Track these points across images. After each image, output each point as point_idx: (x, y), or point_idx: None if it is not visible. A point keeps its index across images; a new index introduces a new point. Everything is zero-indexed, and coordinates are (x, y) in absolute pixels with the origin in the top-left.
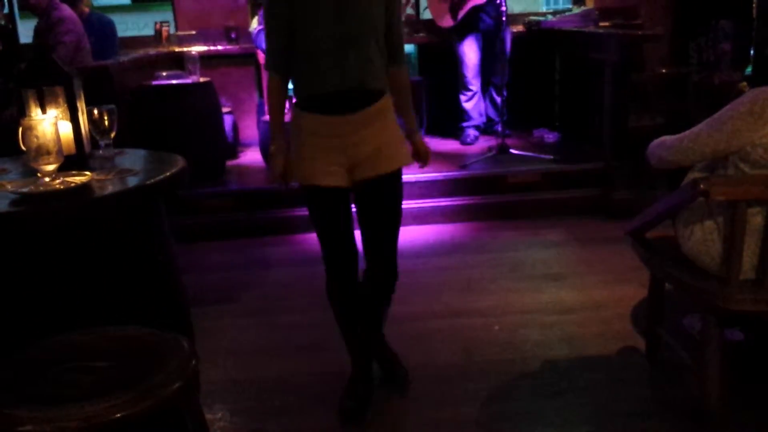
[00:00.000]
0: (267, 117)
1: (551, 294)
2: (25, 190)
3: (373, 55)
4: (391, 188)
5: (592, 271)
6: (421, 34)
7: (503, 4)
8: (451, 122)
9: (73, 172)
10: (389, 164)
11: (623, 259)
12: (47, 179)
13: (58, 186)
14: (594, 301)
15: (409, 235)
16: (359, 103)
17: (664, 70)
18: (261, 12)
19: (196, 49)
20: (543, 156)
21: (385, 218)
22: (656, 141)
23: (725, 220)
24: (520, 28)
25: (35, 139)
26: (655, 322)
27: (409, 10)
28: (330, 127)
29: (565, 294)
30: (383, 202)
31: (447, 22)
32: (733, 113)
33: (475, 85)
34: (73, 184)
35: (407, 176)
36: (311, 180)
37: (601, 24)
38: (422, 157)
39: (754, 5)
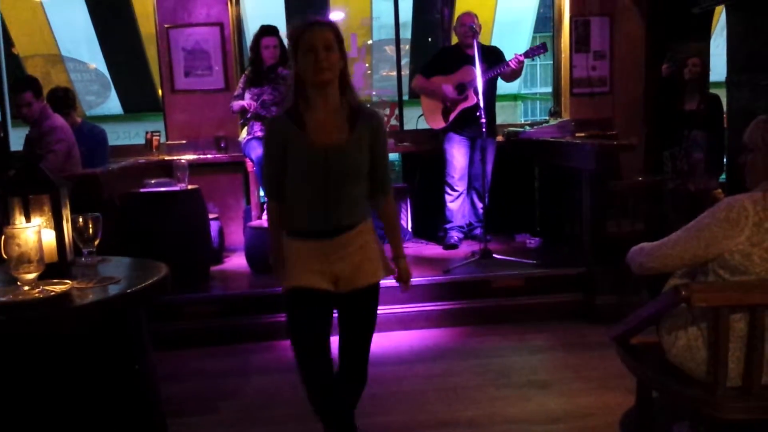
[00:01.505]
0: (253, 223)
1: (538, 402)
2: (3, 299)
3: (357, 198)
4: (368, 301)
5: (578, 378)
6: (405, 143)
7: (482, 116)
8: (434, 227)
9: (54, 280)
10: (367, 279)
11: (609, 364)
12: (27, 288)
13: (37, 295)
14: (581, 409)
15: (394, 340)
16: (341, 231)
17: (640, 179)
18: (242, 78)
19: (186, 157)
20: (525, 261)
21: (359, 328)
22: (636, 248)
23: (709, 327)
24: (499, 138)
25: (17, 248)
26: (644, 431)
27: (394, 122)
28: (314, 248)
29: (551, 402)
30: (359, 313)
31: (439, 123)
32: (710, 221)
33: (460, 186)
34: (52, 293)
35: (391, 281)
36: (296, 282)
37: (578, 134)
38: (404, 281)
39: (724, 116)
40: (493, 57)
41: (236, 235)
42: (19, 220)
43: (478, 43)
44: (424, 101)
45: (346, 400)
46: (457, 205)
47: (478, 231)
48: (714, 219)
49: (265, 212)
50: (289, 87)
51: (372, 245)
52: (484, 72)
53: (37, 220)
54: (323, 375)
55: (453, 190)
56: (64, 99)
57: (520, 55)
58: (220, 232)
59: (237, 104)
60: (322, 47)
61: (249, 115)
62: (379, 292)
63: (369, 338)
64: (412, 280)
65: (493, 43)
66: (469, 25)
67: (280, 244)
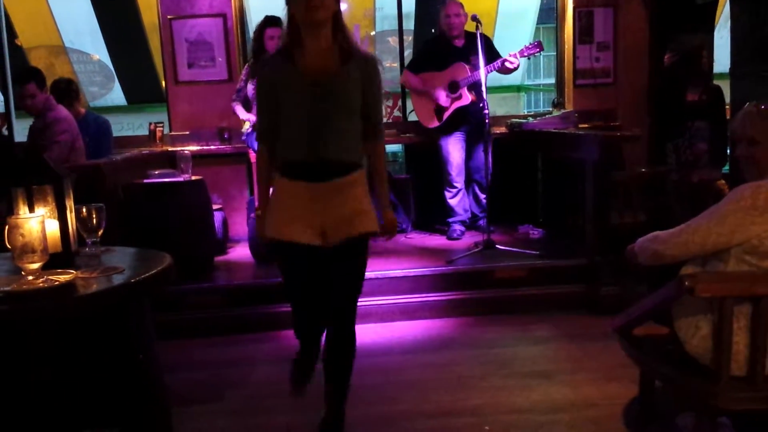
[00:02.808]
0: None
1: (541, 392)
2: (7, 288)
3: (348, 133)
4: (357, 251)
5: (581, 368)
6: (409, 135)
7: (486, 107)
8: (438, 218)
9: (58, 270)
10: (356, 229)
11: (612, 355)
12: (31, 278)
13: (41, 284)
14: (584, 399)
15: (397, 330)
16: (333, 173)
17: (643, 170)
18: (245, 70)
19: (189, 148)
20: (529, 251)
21: (347, 279)
22: (648, 236)
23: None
24: (503, 129)
25: (20, 238)
26: (648, 422)
27: (397, 113)
28: (305, 192)
29: (555, 392)
30: (348, 264)
31: (433, 123)
32: (734, 207)
33: (459, 182)
34: (56, 283)
35: (395, 272)
36: (283, 236)
37: (581, 125)
38: (388, 230)
39: (727, 107)
40: (483, 47)
41: (240, 226)
42: (23, 210)
43: (482, 36)
44: (414, 99)
45: (337, 372)
46: (457, 200)
47: (482, 222)
48: (739, 206)
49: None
50: (282, 31)
51: (362, 197)
52: (474, 69)
53: (41, 211)
54: (313, 325)
55: (452, 186)
56: (67, 90)
57: (514, 55)
58: (224, 222)
59: (237, 109)
60: None
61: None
62: (368, 246)
63: (358, 291)
64: (416, 270)
65: (496, 35)
66: (455, 14)
67: (267, 191)
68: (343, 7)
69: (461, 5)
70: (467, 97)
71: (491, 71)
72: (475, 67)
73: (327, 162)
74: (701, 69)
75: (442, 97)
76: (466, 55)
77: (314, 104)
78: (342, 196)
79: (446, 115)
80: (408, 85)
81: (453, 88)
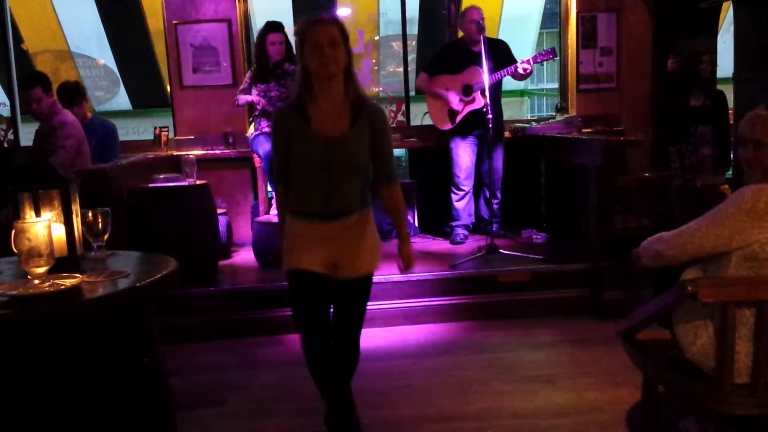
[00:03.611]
0: (261, 218)
1: (545, 397)
2: (14, 292)
3: (355, 188)
4: (362, 288)
5: (584, 373)
6: (412, 139)
7: (489, 112)
8: (441, 222)
9: (64, 274)
10: (363, 269)
11: (615, 360)
12: (37, 281)
13: (47, 288)
14: (588, 404)
15: (401, 334)
16: (342, 215)
17: (647, 174)
18: (248, 74)
19: (194, 152)
20: (532, 256)
21: (352, 312)
22: (653, 237)
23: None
24: (506, 134)
25: (27, 242)
26: (651, 426)
27: (401, 117)
28: (315, 230)
29: (558, 397)
30: (353, 299)
31: (446, 125)
32: (735, 210)
33: (466, 186)
34: (62, 287)
35: (399, 276)
36: (297, 265)
37: (584, 130)
38: (406, 266)
39: (730, 112)
40: (500, 52)
41: (244, 230)
42: (30, 214)
43: (485, 41)
44: (429, 101)
45: (341, 373)
46: (463, 204)
47: (494, 227)
48: (739, 209)
49: (273, 205)
50: (295, 80)
51: (370, 234)
52: (491, 73)
53: (47, 215)
54: (321, 346)
55: (459, 189)
56: (75, 90)
57: (527, 61)
58: (228, 227)
59: (243, 98)
60: (328, 43)
61: (257, 112)
62: (371, 282)
63: (360, 321)
64: (419, 274)
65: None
66: (477, 21)
67: (286, 226)
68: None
69: (481, 11)
70: (480, 101)
71: (504, 76)
72: (489, 72)
73: (338, 211)
74: (698, 75)
75: (456, 100)
76: (482, 60)
77: (325, 163)
78: (351, 232)
79: (459, 117)
80: (423, 88)
81: (466, 91)
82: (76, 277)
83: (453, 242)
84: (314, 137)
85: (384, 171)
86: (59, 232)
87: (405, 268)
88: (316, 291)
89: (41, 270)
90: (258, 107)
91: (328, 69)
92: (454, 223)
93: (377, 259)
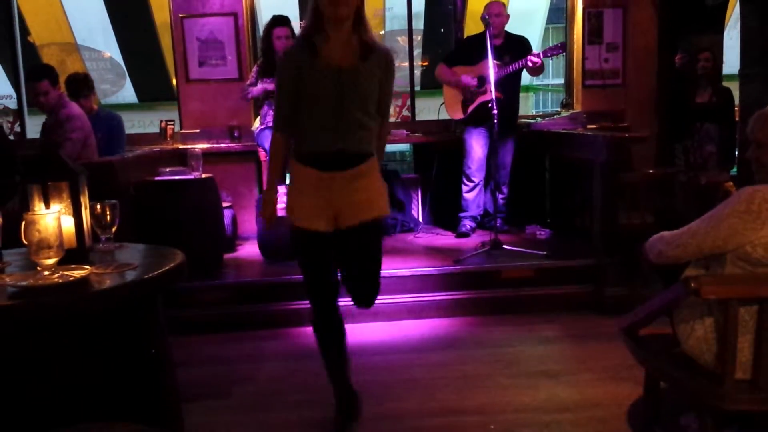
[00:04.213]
0: None
1: (547, 392)
2: (23, 283)
3: (365, 123)
4: (372, 234)
5: (587, 368)
6: (417, 134)
7: (494, 107)
8: (445, 217)
9: (73, 266)
10: (370, 213)
11: (618, 355)
12: (47, 273)
13: (56, 280)
14: (590, 399)
15: (404, 329)
16: (349, 162)
17: (651, 171)
18: (255, 68)
19: (200, 146)
20: (536, 252)
21: (365, 261)
22: (656, 236)
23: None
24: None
25: (37, 233)
26: (652, 422)
27: (406, 112)
28: (321, 180)
29: (561, 392)
30: (364, 246)
31: (458, 114)
32: (730, 211)
33: (477, 177)
34: (71, 278)
35: (402, 271)
36: (300, 223)
37: (589, 126)
38: None
39: (736, 109)
40: (519, 48)
41: (249, 224)
42: (39, 206)
43: (491, 35)
44: (446, 90)
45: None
46: (473, 195)
47: (499, 222)
48: (734, 210)
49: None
50: (305, 21)
51: (375, 183)
52: (502, 66)
53: (57, 207)
54: (326, 299)
55: (469, 180)
56: (84, 82)
57: (537, 55)
58: (233, 220)
59: (255, 90)
60: None
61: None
62: (381, 228)
63: (376, 271)
64: (423, 269)
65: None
66: (482, 16)
67: (274, 183)
68: None
69: (503, 5)
70: (491, 93)
71: (514, 70)
72: (505, 65)
73: (345, 153)
74: (695, 74)
75: (470, 80)
76: (501, 53)
77: (336, 94)
78: (356, 183)
79: (471, 107)
80: (440, 77)
81: (480, 82)
82: (85, 269)
83: (459, 233)
84: (325, 68)
85: (381, 107)
86: (68, 224)
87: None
88: (318, 249)
89: (51, 261)
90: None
91: (340, 9)
92: (461, 214)
93: (384, 205)
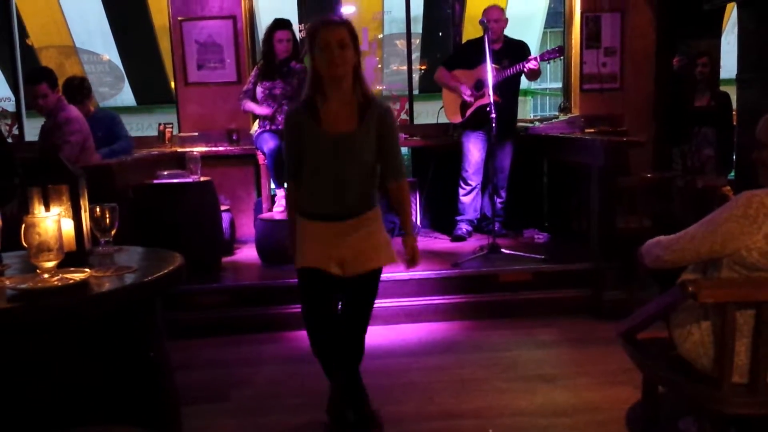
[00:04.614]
0: (264, 215)
1: (545, 396)
2: (23, 286)
3: (364, 184)
4: (369, 284)
5: (584, 372)
6: (415, 138)
7: (492, 111)
8: (443, 221)
9: (73, 268)
10: (372, 263)
11: (615, 359)
12: (46, 276)
13: (56, 283)
14: (588, 403)
15: (402, 332)
16: (350, 216)
17: (649, 175)
18: (254, 71)
19: (198, 149)
20: (534, 255)
21: (359, 307)
22: (652, 240)
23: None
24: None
25: (37, 236)
26: (650, 426)
27: (404, 116)
28: (324, 230)
29: (558, 396)
30: (361, 294)
31: (456, 118)
32: (728, 216)
33: (474, 180)
34: (71, 281)
35: (400, 274)
36: (305, 263)
37: (587, 130)
38: (411, 260)
39: (734, 113)
40: (518, 52)
41: (247, 227)
42: (39, 209)
43: (490, 39)
44: (445, 94)
45: (346, 362)
46: (469, 198)
47: (497, 226)
48: (732, 214)
49: (276, 203)
50: (306, 80)
51: (378, 233)
52: (500, 70)
53: (56, 210)
54: (327, 339)
55: (466, 184)
56: (80, 87)
57: (534, 59)
58: (232, 223)
59: (248, 106)
60: (337, 45)
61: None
62: (379, 279)
63: (365, 317)
64: (420, 273)
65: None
66: (481, 21)
67: (295, 223)
68: (352, 10)
69: (502, 10)
70: (489, 97)
71: (512, 74)
72: (503, 69)
73: (345, 212)
74: (693, 77)
75: (467, 92)
76: (499, 58)
77: (336, 161)
78: (359, 232)
79: (469, 111)
80: (440, 80)
81: (478, 86)
82: (84, 272)
83: (455, 236)
84: (324, 136)
85: (390, 167)
86: (68, 227)
87: (410, 262)
88: (322, 288)
89: (50, 264)
90: (262, 114)
91: (338, 70)
92: (458, 218)
93: (386, 255)
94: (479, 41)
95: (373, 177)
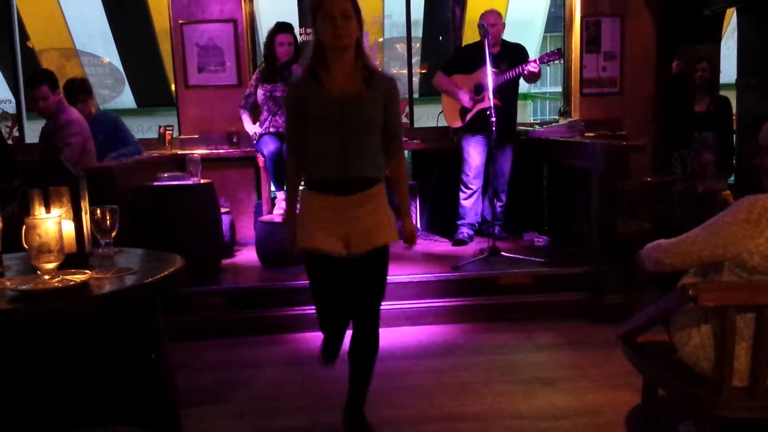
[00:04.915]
0: (264, 218)
1: (544, 399)
2: (24, 287)
3: (370, 149)
4: (379, 260)
5: (584, 376)
6: (416, 141)
7: (492, 114)
8: (444, 224)
9: (73, 270)
10: (378, 240)
11: (615, 363)
12: (47, 277)
13: (56, 284)
14: (588, 406)
15: (402, 335)
16: (357, 187)
17: (649, 179)
18: (255, 74)
19: (198, 151)
20: (534, 259)
21: (371, 286)
22: (652, 244)
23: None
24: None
25: (37, 238)
26: (650, 429)
27: (404, 119)
28: (331, 205)
29: (558, 399)
30: (371, 272)
31: (456, 122)
32: (730, 219)
33: (474, 185)
34: (71, 283)
35: (401, 277)
36: (311, 244)
37: (587, 134)
38: (409, 239)
39: (734, 118)
40: (516, 56)
41: (247, 230)
42: (39, 210)
43: (489, 44)
44: (444, 99)
45: (361, 366)
46: (470, 202)
47: (497, 229)
48: (734, 218)
49: (276, 205)
50: (309, 52)
51: (383, 209)
52: (499, 74)
53: (57, 211)
54: (337, 326)
55: (467, 187)
56: (81, 87)
57: (533, 62)
58: (232, 226)
59: (243, 116)
60: (341, 15)
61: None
62: (388, 254)
63: (381, 296)
64: (421, 276)
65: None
66: (481, 24)
67: (295, 202)
68: None
69: (499, 14)
70: (489, 101)
71: (511, 77)
72: (501, 72)
73: (353, 178)
74: (693, 81)
75: (466, 98)
76: (498, 61)
77: (342, 121)
78: (364, 208)
79: (469, 116)
80: (438, 86)
81: (478, 90)
82: (85, 273)
83: (456, 240)
84: (329, 98)
85: (391, 141)
86: (69, 229)
87: (408, 243)
88: (328, 270)
89: (51, 266)
90: (250, 132)
91: (341, 40)
92: (459, 222)
93: (392, 232)
94: (476, 45)
95: (377, 146)
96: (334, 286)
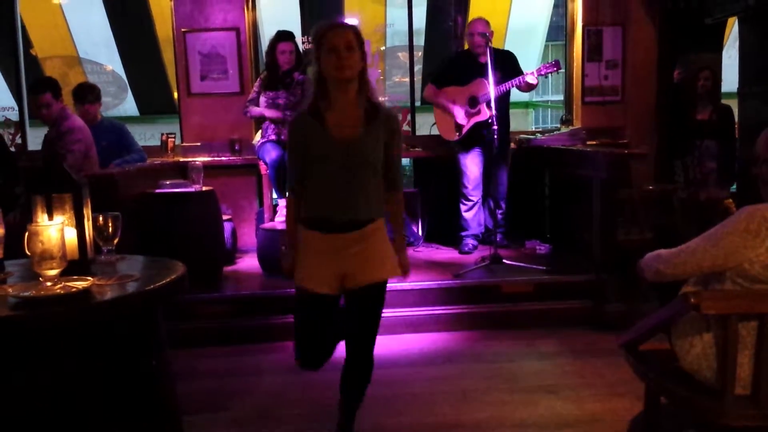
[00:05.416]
0: (266, 225)
1: (546, 407)
2: (26, 294)
3: (371, 187)
4: (375, 296)
5: (586, 384)
6: (417, 149)
7: (494, 123)
8: (447, 231)
9: (75, 277)
10: (374, 276)
11: (617, 371)
12: (49, 284)
13: (59, 291)
14: (590, 414)
15: (404, 343)
16: (354, 225)
17: (651, 187)
18: (257, 82)
19: (201, 159)
20: (535, 267)
21: (366, 322)
22: (652, 254)
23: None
24: (511, 145)
25: (40, 244)
26: None
27: (406, 127)
28: (328, 242)
29: (560, 407)
30: (367, 307)
31: (452, 136)
32: (730, 230)
33: (474, 196)
34: (73, 289)
35: (402, 284)
36: (307, 286)
37: (589, 142)
38: (403, 271)
39: (736, 126)
40: (507, 63)
41: (249, 237)
42: (42, 217)
43: (491, 52)
44: (436, 112)
45: (353, 391)
46: (471, 214)
47: (499, 237)
48: (734, 228)
49: (278, 212)
50: (311, 84)
51: (381, 244)
52: (497, 84)
53: (59, 218)
54: (316, 357)
55: (467, 200)
56: (91, 89)
57: (532, 74)
58: (233, 233)
59: (254, 110)
60: (344, 47)
61: (266, 123)
62: (385, 290)
63: (376, 330)
64: (422, 283)
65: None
66: (482, 33)
67: (295, 240)
68: (354, 23)
69: (487, 23)
70: (486, 113)
71: (509, 88)
72: (497, 83)
73: (351, 216)
74: (695, 90)
75: (461, 113)
76: (488, 71)
77: (342, 165)
78: (364, 243)
79: (465, 129)
80: (430, 99)
81: (472, 103)
82: (87, 280)
83: (462, 252)
84: (331, 138)
85: (390, 176)
86: (71, 236)
87: (402, 274)
88: (318, 310)
89: (53, 272)
90: (272, 117)
91: (344, 73)
92: (463, 233)
93: (393, 266)
94: (466, 55)
95: (379, 185)
96: (320, 326)
